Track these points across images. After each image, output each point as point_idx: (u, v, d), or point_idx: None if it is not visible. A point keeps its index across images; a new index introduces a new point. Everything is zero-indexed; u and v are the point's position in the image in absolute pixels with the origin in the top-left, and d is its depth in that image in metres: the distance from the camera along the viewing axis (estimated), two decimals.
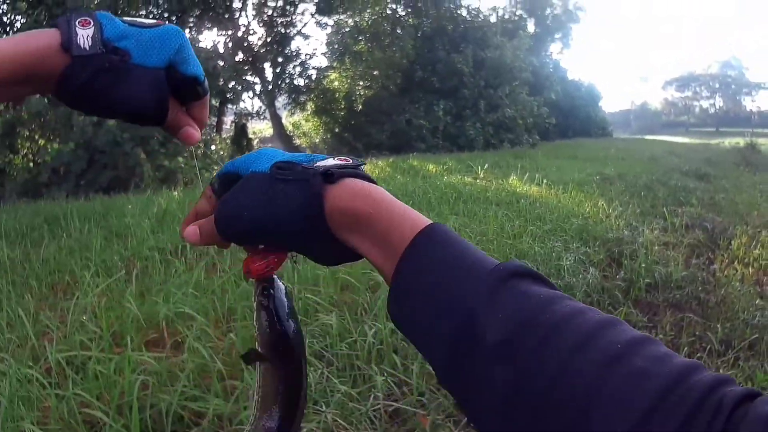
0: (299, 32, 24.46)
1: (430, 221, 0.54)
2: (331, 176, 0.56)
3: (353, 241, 0.56)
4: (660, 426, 0.35)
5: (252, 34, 23.19)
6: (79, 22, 0.58)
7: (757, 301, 3.99)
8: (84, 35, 0.57)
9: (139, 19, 0.62)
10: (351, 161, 0.59)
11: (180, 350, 2.92)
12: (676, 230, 6.15)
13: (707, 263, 5.09)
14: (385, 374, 2.64)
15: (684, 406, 0.35)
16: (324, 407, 2.39)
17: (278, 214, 0.55)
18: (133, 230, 5.75)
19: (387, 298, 0.54)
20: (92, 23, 0.58)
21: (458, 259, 0.50)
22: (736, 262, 5.03)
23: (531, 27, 34.05)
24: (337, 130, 25.03)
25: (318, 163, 0.58)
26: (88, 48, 0.57)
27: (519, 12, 33.68)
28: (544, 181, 9.08)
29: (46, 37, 0.57)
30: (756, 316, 3.65)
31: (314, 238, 0.56)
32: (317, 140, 25.78)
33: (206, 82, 0.66)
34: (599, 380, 0.38)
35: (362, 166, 0.60)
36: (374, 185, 0.57)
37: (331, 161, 0.59)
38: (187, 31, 20.20)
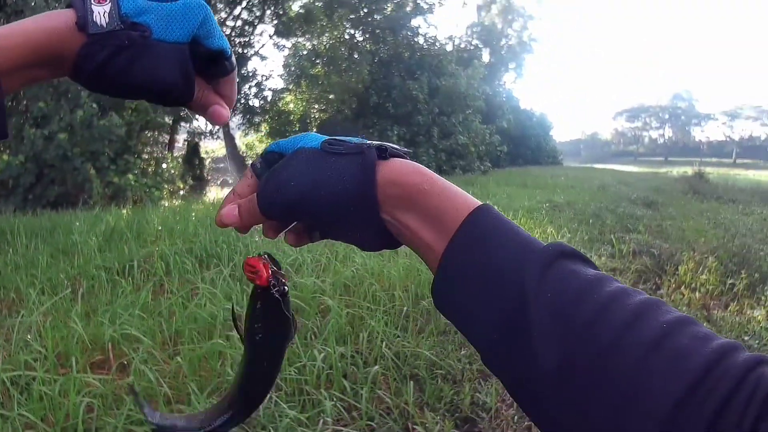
0: (256, 53, 24.46)
1: (475, 203, 0.53)
2: (385, 151, 0.55)
3: (403, 217, 0.54)
4: (700, 403, 0.37)
5: None
6: None
7: (704, 325, 4.09)
8: (100, 12, 0.54)
9: None
10: (400, 149, 0.58)
11: (126, 372, 2.86)
12: (623, 256, 6.29)
13: (654, 288, 5.22)
14: (335, 399, 2.63)
15: (723, 385, 0.37)
16: None
17: (329, 185, 0.53)
18: (80, 248, 5.61)
19: (435, 277, 0.53)
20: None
21: (510, 239, 0.50)
22: (683, 287, 5.17)
23: (486, 56, 34.74)
24: None
25: (368, 142, 0.56)
26: (105, 25, 0.54)
27: (474, 42, 34.41)
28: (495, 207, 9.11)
29: (60, 16, 0.54)
30: None
31: (362, 214, 0.55)
32: None
33: (233, 57, 0.63)
34: (646, 358, 0.40)
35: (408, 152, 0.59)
36: (418, 164, 0.56)
37: (376, 143, 0.57)
38: None
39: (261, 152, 0.62)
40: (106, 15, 0.54)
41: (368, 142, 0.56)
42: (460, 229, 0.51)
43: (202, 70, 0.61)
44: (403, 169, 0.54)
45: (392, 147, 0.56)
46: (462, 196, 0.54)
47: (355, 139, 0.57)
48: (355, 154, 0.54)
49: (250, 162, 0.63)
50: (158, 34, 0.56)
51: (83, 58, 0.54)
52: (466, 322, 0.52)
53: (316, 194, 0.54)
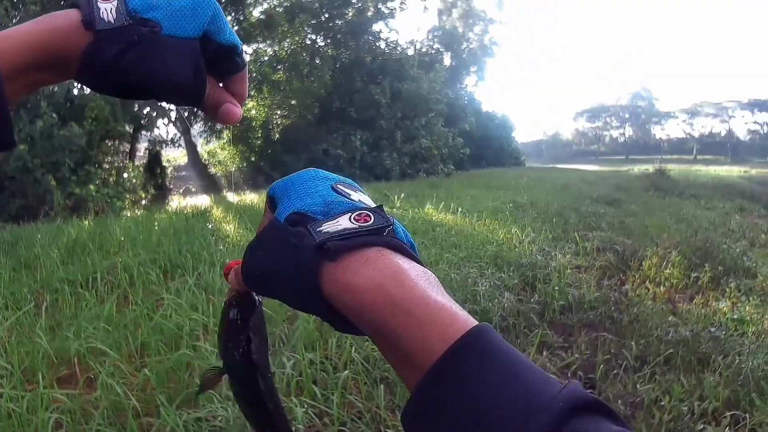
0: None
1: (470, 322, 0.41)
2: (327, 252, 0.44)
3: (368, 332, 0.44)
4: None
5: None
6: None
7: (669, 318, 4.20)
8: (107, 8, 0.52)
9: None
10: (371, 219, 0.47)
11: (93, 387, 2.81)
12: (587, 254, 6.39)
13: (619, 284, 5.32)
14: (305, 406, 2.63)
15: None
16: None
17: (279, 284, 0.48)
18: (43, 261, 5.51)
19: (407, 405, 0.40)
20: None
21: (512, 378, 0.37)
22: (647, 282, 5.28)
23: (447, 60, 34.98)
24: (253, 159, 24.80)
25: (324, 226, 0.46)
26: (113, 21, 0.51)
27: (436, 46, 34.57)
28: (459, 209, 9.30)
29: (66, 15, 0.52)
30: (670, 332, 3.83)
31: (323, 316, 0.47)
32: (233, 169, 25.45)
33: (244, 53, 0.61)
34: None
35: (388, 228, 0.46)
36: (395, 262, 0.43)
37: (342, 221, 0.46)
38: None
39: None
40: (113, 11, 0.52)
41: (324, 225, 0.46)
42: (437, 363, 0.38)
43: (212, 67, 0.58)
44: (352, 283, 0.43)
45: (350, 232, 0.45)
46: (440, 321, 0.40)
47: (320, 210, 0.48)
48: (297, 249, 0.45)
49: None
50: (168, 30, 0.54)
51: (91, 56, 0.52)
52: None
53: (274, 289, 0.49)
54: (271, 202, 0.54)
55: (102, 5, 0.52)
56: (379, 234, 0.45)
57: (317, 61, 24.11)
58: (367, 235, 0.45)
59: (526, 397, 0.36)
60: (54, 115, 13.31)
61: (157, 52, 0.53)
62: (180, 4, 0.54)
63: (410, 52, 27.86)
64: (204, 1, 0.55)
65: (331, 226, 0.45)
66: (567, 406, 0.35)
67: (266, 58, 24.37)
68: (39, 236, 7.15)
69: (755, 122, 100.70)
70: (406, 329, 0.40)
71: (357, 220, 0.46)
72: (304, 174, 0.55)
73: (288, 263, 0.46)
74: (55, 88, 15.14)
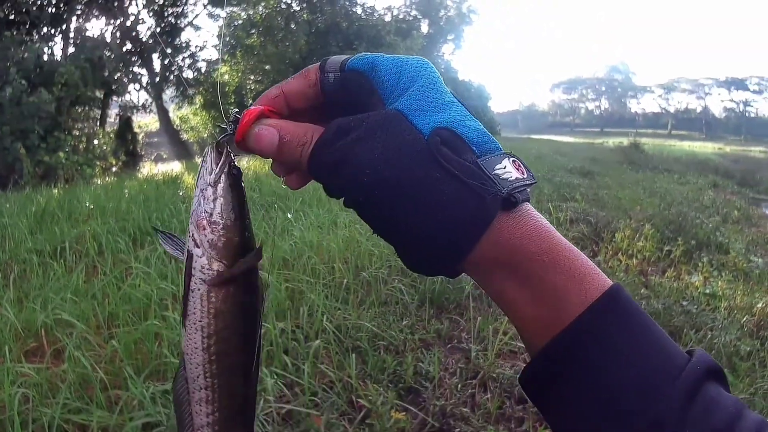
0: (190, 23, 23.80)
1: (607, 279, 0.43)
2: (513, 205, 0.42)
3: (500, 283, 0.44)
4: None
5: (141, 24, 22.38)
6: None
7: (642, 291, 4.25)
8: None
9: None
10: (525, 172, 0.45)
11: (61, 359, 2.76)
12: (560, 224, 6.41)
13: (591, 255, 5.35)
14: (276, 376, 2.61)
15: None
16: None
17: (414, 209, 0.41)
18: (11, 231, 5.38)
19: (533, 362, 0.43)
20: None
21: (645, 343, 0.40)
22: (620, 254, 5.33)
23: (425, 28, 34.63)
24: None
25: (496, 168, 0.43)
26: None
27: (413, 12, 34.20)
28: None
29: None
30: (642, 305, 3.85)
31: (438, 254, 0.43)
32: (205, 135, 25.21)
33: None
34: None
35: (534, 183, 0.46)
36: (545, 220, 0.45)
37: (509, 169, 0.44)
38: (74, 19, 19.24)
39: (341, 62, 0.49)
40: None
41: (495, 169, 0.43)
42: (580, 319, 0.40)
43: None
44: (526, 231, 0.42)
45: (520, 184, 0.44)
46: (587, 273, 0.42)
47: (476, 140, 0.44)
48: (473, 192, 0.41)
49: (323, 62, 0.50)
50: None
51: None
52: (569, 427, 0.42)
53: (391, 207, 0.42)
54: (345, 78, 0.47)
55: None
56: (530, 186, 0.45)
57: (292, 26, 23.80)
58: (529, 185, 0.45)
59: (664, 360, 0.39)
60: (23, 81, 13.04)
61: None
62: None
63: (387, 18, 27.64)
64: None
65: (502, 171, 0.43)
66: (701, 372, 0.38)
67: (240, 22, 24.02)
68: (7, 206, 7.00)
69: (731, 100, 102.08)
70: (564, 278, 0.42)
71: (517, 168, 0.45)
72: (422, 64, 0.47)
73: (451, 205, 0.41)
74: (25, 54, 14.80)
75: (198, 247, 0.52)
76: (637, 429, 0.37)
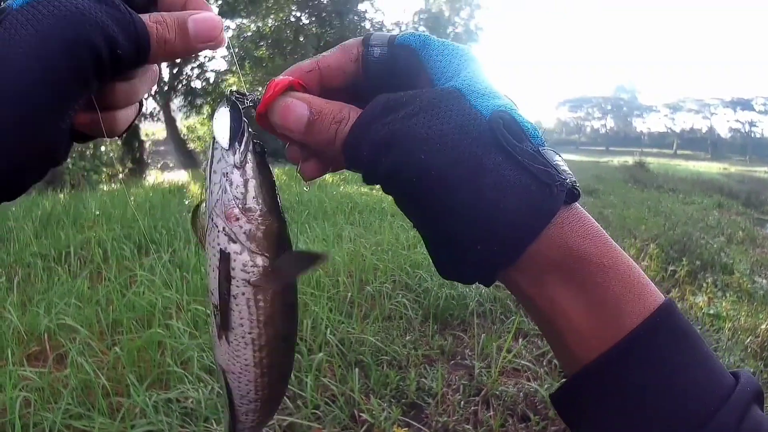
0: None
1: (660, 294, 0.40)
2: (576, 197, 0.40)
3: (551, 289, 0.40)
4: None
5: None
6: None
7: None
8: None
9: None
10: (566, 167, 0.41)
11: (63, 364, 2.76)
12: None
13: None
14: None
15: None
16: (215, 424, 2.33)
17: (469, 198, 0.37)
18: (16, 234, 5.40)
19: (573, 378, 0.41)
20: None
21: (696, 362, 0.38)
22: None
23: None
24: None
25: (556, 159, 0.40)
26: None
27: (421, 28, 34.36)
28: None
29: None
30: None
31: (499, 248, 0.38)
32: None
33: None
34: None
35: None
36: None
37: (559, 160, 0.40)
38: None
39: (389, 37, 0.45)
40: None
41: (556, 159, 0.40)
42: (636, 333, 0.38)
43: None
44: (584, 231, 0.39)
45: (573, 179, 0.40)
46: (644, 283, 0.39)
47: (531, 130, 0.40)
48: (537, 180, 0.38)
49: (366, 36, 0.46)
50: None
51: None
52: None
53: (447, 190, 0.38)
54: (392, 55, 0.43)
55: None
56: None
57: (301, 39, 23.90)
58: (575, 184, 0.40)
59: (715, 380, 0.37)
60: None
61: None
62: None
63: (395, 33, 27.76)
64: None
65: (561, 163, 0.40)
66: (750, 394, 0.37)
67: (249, 34, 24.13)
68: (13, 209, 7.01)
69: (737, 120, 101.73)
70: (623, 285, 0.38)
71: (561, 164, 0.41)
72: (470, 52, 0.43)
73: (512, 195, 0.37)
74: None
75: (234, 242, 0.44)
76: None
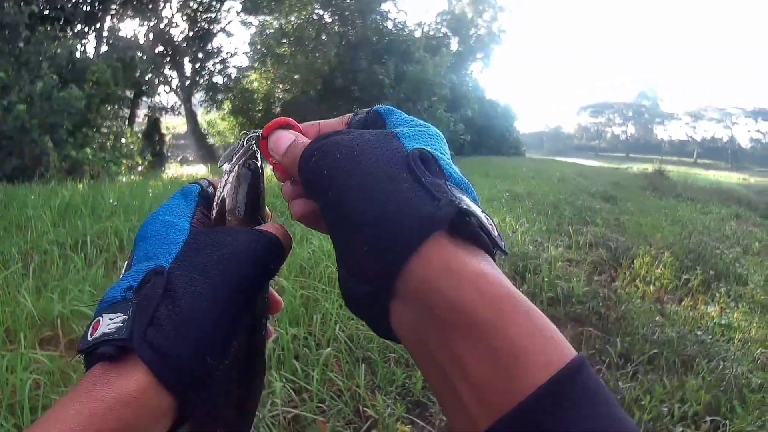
0: (222, 29, 24.10)
1: (572, 351, 0.34)
2: (466, 225, 0.38)
3: (446, 331, 0.35)
4: None
5: (174, 27, 22.72)
6: None
7: (657, 318, 4.18)
8: None
9: None
10: (495, 228, 0.40)
11: (74, 349, 2.80)
12: (580, 248, 6.35)
13: (609, 280, 5.30)
14: (285, 380, 2.62)
15: None
16: None
17: (371, 198, 0.39)
18: (34, 222, 5.48)
19: None
20: None
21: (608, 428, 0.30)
22: (637, 280, 5.26)
23: (454, 45, 34.77)
24: None
25: (463, 197, 0.40)
26: None
27: (444, 29, 34.37)
28: None
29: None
30: (656, 332, 3.82)
31: (384, 249, 0.38)
32: (232, 140, 25.46)
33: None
34: None
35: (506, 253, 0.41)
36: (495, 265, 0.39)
37: (476, 208, 0.40)
38: (108, 18, 19.58)
39: (370, 108, 0.56)
40: None
41: (464, 199, 0.39)
42: (541, 392, 0.30)
43: None
44: (480, 265, 0.37)
45: (482, 222, 0.39)
46: (555, 337, 0.34)
47: (447, 167, 0.43)
48: (430, 195, 0.38)
49: (356, 109, 0.57)
50: None
51: None
52: None
53: (347, 191, 0.40)
54: (374, 118, 0.53)
55: None
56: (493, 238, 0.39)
57: (323, 37, 23.98)
58: (489, 233, 0.39)
59: None
60: (54, 77, 13.27)
61: None
62: None
63: (417, 34, 27.76)
64: None
65: (470, 203, 0.39)
66: None
67: (272, 31, 24.26)
68: (32, 197, 7.11)
69: (758, 131, 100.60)
70: (528, 338, 0.33)
71: (488, 218, 0.40)
72: (429, 127, 0.50)
73: (407, 199, 0.38)
74: (58, 50, 15.06)
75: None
76: None
